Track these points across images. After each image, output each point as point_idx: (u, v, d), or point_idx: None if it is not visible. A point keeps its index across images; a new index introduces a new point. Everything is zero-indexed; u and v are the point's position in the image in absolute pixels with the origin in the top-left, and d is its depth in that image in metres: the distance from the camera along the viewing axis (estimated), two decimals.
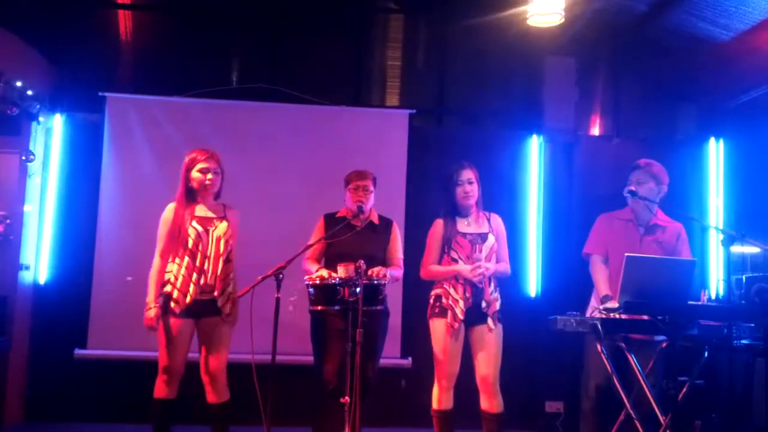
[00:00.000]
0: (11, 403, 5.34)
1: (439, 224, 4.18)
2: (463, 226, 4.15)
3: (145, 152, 5.71)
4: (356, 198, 4.18)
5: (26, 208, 5.51)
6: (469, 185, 4.12)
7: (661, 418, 3.68)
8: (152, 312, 3.82)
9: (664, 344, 3.98)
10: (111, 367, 5.52)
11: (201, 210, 3.97)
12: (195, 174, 3.92)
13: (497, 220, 4.24)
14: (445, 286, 4.08)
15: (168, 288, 3.86)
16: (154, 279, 3.90)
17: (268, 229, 5.57)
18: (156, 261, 3.94)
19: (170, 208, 3.97)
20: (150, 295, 3.87)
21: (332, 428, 3.98)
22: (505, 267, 4.19)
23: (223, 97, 5.89)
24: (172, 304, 3.83)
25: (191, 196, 3.96)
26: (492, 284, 4.08)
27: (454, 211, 4.17)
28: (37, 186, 5.65)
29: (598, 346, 3.72)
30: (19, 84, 5.09)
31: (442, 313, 4.05)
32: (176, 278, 3.85)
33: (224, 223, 3.95)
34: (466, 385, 4.14)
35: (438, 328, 4.07)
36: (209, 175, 3.92)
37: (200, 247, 3.87)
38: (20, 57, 5.40)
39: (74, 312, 5.55)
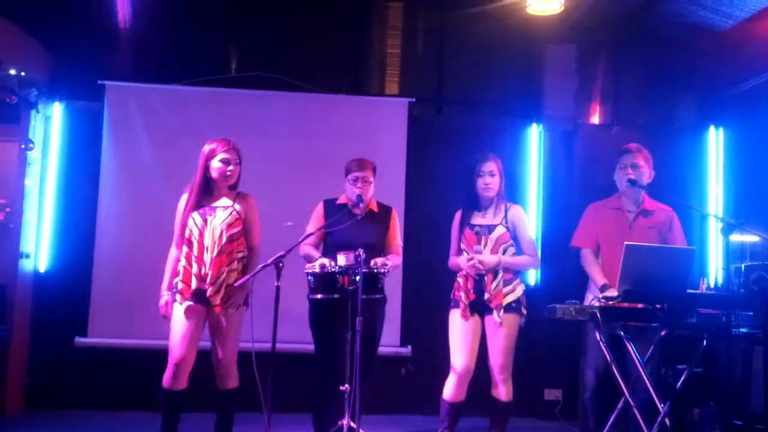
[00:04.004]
0: (12, 391, 5.36)
1: (457, 216, 4.25)
2: (477, 218, 4.16)
3: (145, 140, 5.71)
4: (356, 189, 4.18)
5: (26, 196, 5.49)
6: (490, 177, 4.13)
7: (660, 406, 3.70)
8: (162, 300, 3.88)
9: (663, 332, 3.99)
10: (111, 355, 5.53)
11: (210, 199, 3.95)
12: (216, 164, 3.89)
13: (514, 212, 4.22)
14: (458, 278, 4.15)
15: (177, 279, 3.88)
16: (167, 268, 3.94)
17: (266, 218, 5.51)
18: (172, 250, 3.97)
19: (183, 197, 3.97)
20: (163, 284, 3.92)
21: (332, 416, 4.00)
22: (525, 259, 4.17)
23: (221, 86, 5.88)
24: (178, 296, 3.84)
25: (207, 185, 3.95)
26: (500, 275, 4.06)
27: (474, 202, 4.18)
28: (37, 174, 5.64)
29: (597, 335, 3.73)
30: (17, 72, 5.08)
31: (455, 304, 4.14)
32: (182, 269, 3.86)
33: (227, 212, 3.92)
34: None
35: (452, 319, 4.15)
36: (230, 167, 3.91)
37: (197, 237, 3.86)
38: (19, 45, 5.38)
39: (74, 300, 5.56)
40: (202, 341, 3.94)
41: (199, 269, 3.84)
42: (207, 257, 3.85)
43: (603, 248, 4.20)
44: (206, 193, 3.95)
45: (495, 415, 4.10)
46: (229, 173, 3.91)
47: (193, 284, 3.82)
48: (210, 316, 3.90)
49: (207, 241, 3.86)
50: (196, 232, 3.86)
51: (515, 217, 4.20)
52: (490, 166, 4.14)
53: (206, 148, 3.95)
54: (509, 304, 4.06)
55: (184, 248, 3.87)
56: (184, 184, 4.09)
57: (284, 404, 4.34)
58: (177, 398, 3.89)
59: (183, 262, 3.86)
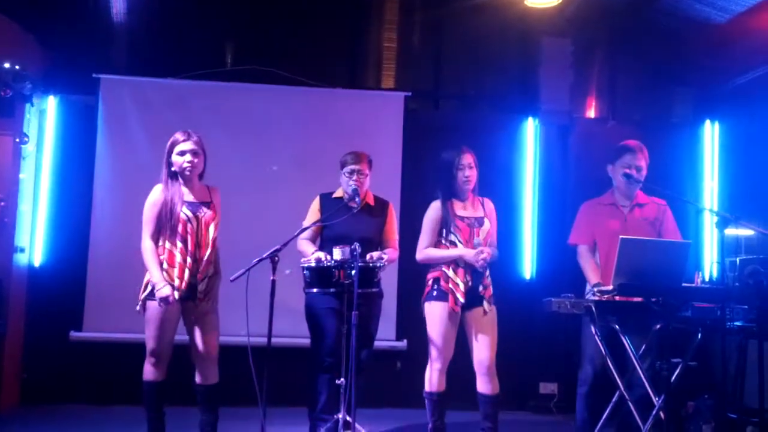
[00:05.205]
0: (7, 386, 5.35)
1: (436, 207, 4.16)
2: (460, 209, 4.15)
3: (140, 134, 5.69)
4: (352, 182, 4.17)
5: (20, 190, 5.48)
6: (469, 170, 4.12)
7: (654, 400, 3.71)
8: (167, 289, 3.73)
9: (657, 326, 3.99)
10: (106, 350, 5.52)
11: (188, 194, 3.91)
12: (175, 157, 3.87)
13: (490, 205, 4.26)
14: (443, 269, 4.06)
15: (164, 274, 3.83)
16: (153, 259, 3.82)
17: (262, 212, 5.57)
18: (148, 243, 3.86)
19: (157, 189, 3.90)
20: (156, 275, 3.78)
21: (328, 409, 4.01)
22: (496, 252, 4.21)
23: (217, 79, 5.86)
24: (174, 291, 3.80)
25: (175, 179, 3.91)
26: (487, 269, 4.10)
27: (452, 194, 4.17)
28: (32, 168, 5.62)
29: (592, 328, 3.74)
30: (12, 66, 5.05)
31: (441, 296, 4.04)
32: (171, 264, 3.82)
33: (211, 210, 3.92)
34: (458, 367, 4.16)
35: (436, 311, 4.05)
36: (187, 157, 3.85)
37: (191, 233, 3.83)
38: (13, 39, 5.36)
39: (69, 294, 5.55)
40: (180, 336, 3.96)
41: (196, 265, 3.84)
42: (199, 253, 3.85)
43: (600, 244, 4.21)
44: (177, 186, 3.89)
45: (486, 410, 4.08)
46: (187, 165, 3.86)
47: (186, 281, 3.81)
48: (192, 311, 3.89)
49: (199, 237, 3.85)
50: (189, 228, 3.84)
51: (492, 211, 4.25)
52: (469, 158, 4.14)
53: (169, 141, 3.92)
54: (491, 296, 4.09)
55: (178, 244, 3.82)
56: None
57: (280, 398, 4.34)
58: (161, 389, 3.90)
59: (178, 258, 3.81)
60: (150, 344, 3.86)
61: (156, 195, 3.89)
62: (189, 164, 3.86)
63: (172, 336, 3.90)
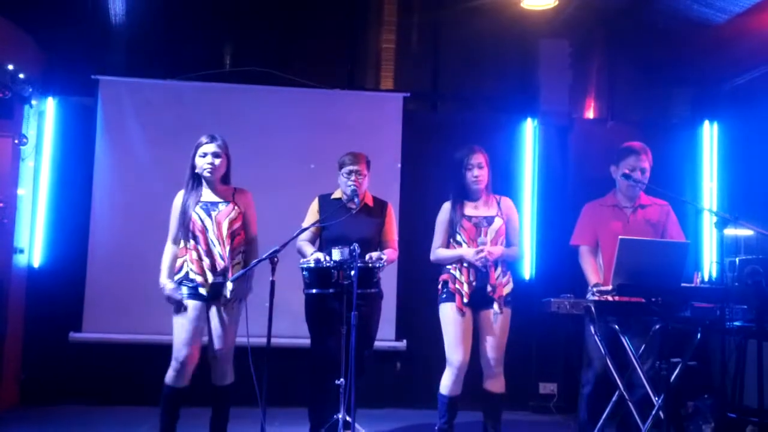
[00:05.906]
0: (7, 386, 5.35)
1: (446, 209, 4.17)
2: (470, 209, 4.13)
3: (139, 135, 5.69)
4: (350, 183, 4.17)
5: (20, 191, 5.49)
6: (479, 169, 4.11)
7: (654, 400, 3.71)
8: (170, 286, 3.86)
9: (657, 326, 3.99)
10: (106, 350, 5.52)
11: (208, 195, 3.97)
12: (197, 159, 3.95)
13: (508, 204, 4.23)
14: (450, 270, 4.07)
15: (189, 274, 3.86)
16: (165, 261, 3.95)
17: (261, 213, 5.51)
18: (167, 246, 3.98)
19: (180, 194, 4.00)
20: (162, 275, 3.91)
21: (328, 410, 4.01)
22: (515, 251, 4.18)
23: (216, 81, 5.86)
24: (200, 289, 3.83)
25: (197, 181, 3.97)
26: (499, 268, 4.07)
27: (463, 194, 4.16)
28: (31, 169, 5.63)
29: (592, 328, 3.74)
30: (10, 67, 5.06)
31: (450, 298, 4.05)
32: (192, 264, 3.86)
33: (228, 207, 3.95)
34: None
35: (447, 313, 4.06)
36: (208, 159, 3.92)
37: (201, 231, 3.87)
38: (12, 40, 5.36)
39: (69, 295, 5.54)
40: None
41: (213, 262, 3.85)
42: (217, 251, 3.86)
43: (602, 245, 4.20)
44: (198, 188, 3.97)
45: (490, 409, 4.09)
46: (208, 166, 3.92)
47: (210, 278, 3.83)
48: (211, 311, 3.90)
49: (213, 236, 3.88)
50: (201, 226, 3.88)
51: (510, 209, 4.21)
52: (479, 158, 4.12)
53: (195, 144, 4.00)
54: (506, 296, 4.07)
55: (191, 242, 3.87)
56: (178, 178, 4.09)
57: (280, 399, 4.35)
58: (180, 395, 3.89)
59: (194, 256, 3.85)
60: (175, 347, 3.86)
61: (177, 199, 4.00)
62: (209, 165, 3.92)
63: (197, 339, 3.87)
